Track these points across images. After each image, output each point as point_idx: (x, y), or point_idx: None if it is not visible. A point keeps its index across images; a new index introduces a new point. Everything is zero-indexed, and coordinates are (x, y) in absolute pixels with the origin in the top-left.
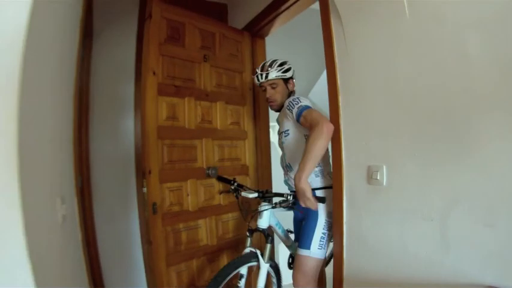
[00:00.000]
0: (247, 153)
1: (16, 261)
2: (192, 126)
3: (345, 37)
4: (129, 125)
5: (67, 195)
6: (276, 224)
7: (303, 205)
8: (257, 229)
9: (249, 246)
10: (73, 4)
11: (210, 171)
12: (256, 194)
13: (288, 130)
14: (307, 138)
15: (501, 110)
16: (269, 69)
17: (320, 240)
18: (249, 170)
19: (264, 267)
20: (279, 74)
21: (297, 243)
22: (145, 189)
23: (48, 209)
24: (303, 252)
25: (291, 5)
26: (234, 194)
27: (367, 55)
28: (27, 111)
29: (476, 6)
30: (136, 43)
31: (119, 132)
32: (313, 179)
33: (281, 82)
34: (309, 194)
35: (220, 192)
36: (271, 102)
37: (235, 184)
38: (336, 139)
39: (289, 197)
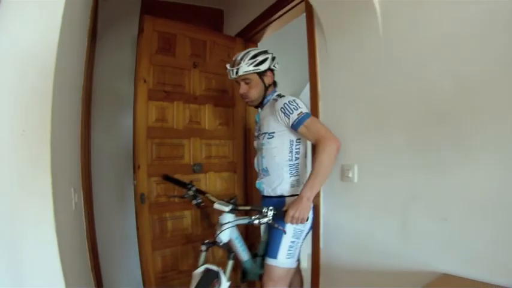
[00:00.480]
0: (235, 151)
1: (48, 239)
2: (180, 127)
3: (327, 48)
4: (129, 122)
5: (76, 185)
6: (236, 238)
7: (290, 222)
8: (216, 243)
9: (204, 263)
10: (85, 13)
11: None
12: (230, 207)
13: (273, 133)
14: (297, 144)
15: (452, 121)
16: (240, 63)
17: (288, 250)
18: (237, 167)
19: (226, 286)
20: (251, 68)
21: (257, 258)
22: (135, 182)
23: (66, 197)
24: (270, 261)
25: (281, 15)
26: (194, 202)
27: (346, 67)
28: (56, 113)
29: (437, 31)
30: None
31: (119, 129)
32: (286, 190)
33: (255, 76)
34: (308, 214)
35: (170, 196)
36: (245, 99)
37: (193, 189)
38: None
39: (269, 213)
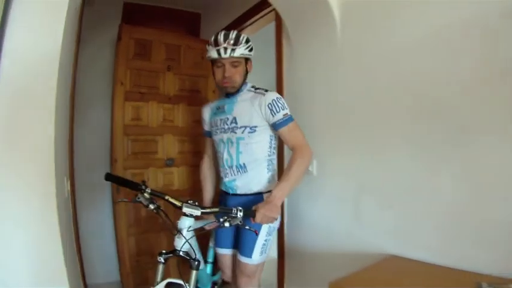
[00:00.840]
0: None
1: (51, 220)
2: (154, 125)
3: (292, 54)
4: (107, 120)
5: (67, 175)
6: (195, 245)
7: (261, 222)
8: (176, 253)
9: (162, 277)
10: (76, 18)
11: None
12: (200, 210)
13: (255, 127)
14: (275, 139)
15: (394, 122)
16: (237, 44)
17: (262, 247)
18: None
19: None
20: (246, 52)
21: (207, 265)
22: None
23: (62, 184)
24: (244, 259)
25: (253, 22)
26: (151, 207)
27: (309, 71)
28: (58, 112)
29: (386, 45)
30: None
31: (98, 126)
32: (264, 186)
33: (243, 62)
34: (279, 214)
35: (117, 201)
36: (228, 83)
37: (148, 190)
38: None
39: (238, 214)
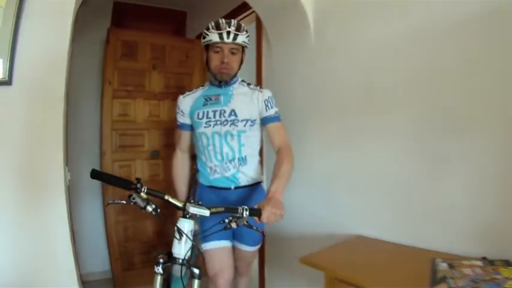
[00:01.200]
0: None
1: (61, 206)
2: (140, 120)
3: (271, 54)
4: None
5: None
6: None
7: (267, 221)
8: (177, 261)
9: None
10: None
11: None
12: (208, 212)
13: (255, 120)
14: (262, 134)
15: (360, 116)
16: (240, 30)
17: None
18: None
19: None
20: (246, 40)
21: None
22: (101, 166)
23: (65, 173)
24: (248, 248)
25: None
26: (149, 210)
27: (288, 70)
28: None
29: (355, 50)
30: None
31: (88, 121)
32: (259, 175)
33: (241, 50)
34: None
35: (107, 204)
36: (226, 69)
37: (144, 190)
38: None
39: (245, 213)
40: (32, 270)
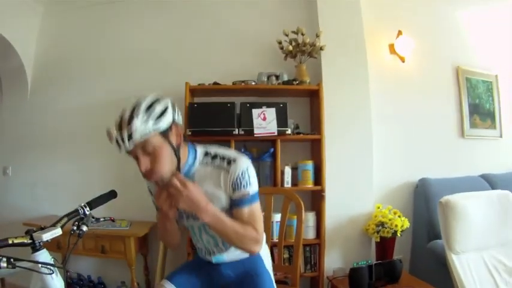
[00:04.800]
0: None
1: None
2: None
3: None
4: None
5: None
6: None
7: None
8: None
9: None
10: None
11: None
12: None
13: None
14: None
15: (67, 145)
16: (133, 122)
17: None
18: None
19: None
20: (151, 126)
21: None
22: None
23: None
24: None
25: None
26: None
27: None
28: None
29: (63, 104)
30: None
31: None
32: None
33: (159, 139)
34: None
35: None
36: (152, 177)
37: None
38: None
39: (86, 210)
40: None
